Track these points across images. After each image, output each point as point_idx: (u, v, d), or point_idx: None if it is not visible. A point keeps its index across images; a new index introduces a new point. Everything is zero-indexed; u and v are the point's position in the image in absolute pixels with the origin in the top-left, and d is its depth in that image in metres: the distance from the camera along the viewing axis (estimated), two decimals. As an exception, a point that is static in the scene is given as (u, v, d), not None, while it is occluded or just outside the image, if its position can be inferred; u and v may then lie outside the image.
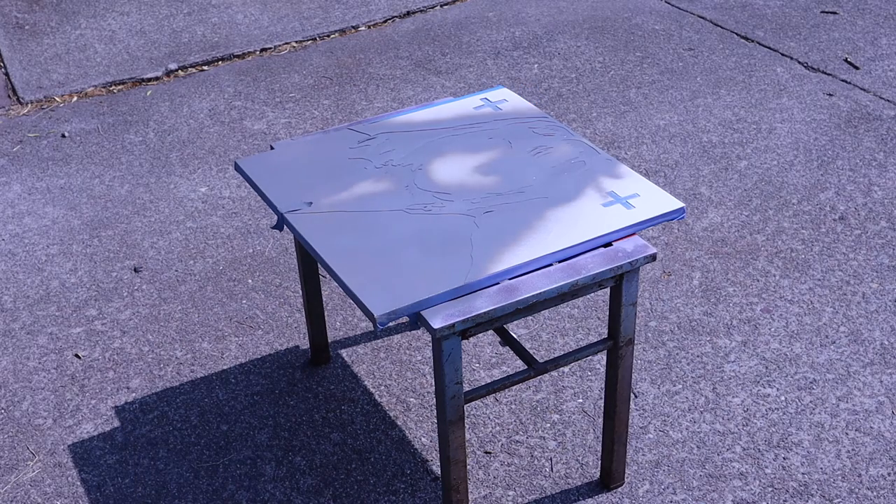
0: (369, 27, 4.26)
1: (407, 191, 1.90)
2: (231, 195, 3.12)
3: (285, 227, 1.87)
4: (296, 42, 4.13)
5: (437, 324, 1.60)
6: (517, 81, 3.73)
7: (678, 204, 1.84)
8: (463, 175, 1.94)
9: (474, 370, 2.40)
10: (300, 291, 2.63)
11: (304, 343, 2.51)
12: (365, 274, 1.69)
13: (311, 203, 1.88)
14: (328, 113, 3.56)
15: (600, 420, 2.23)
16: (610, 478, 2.08)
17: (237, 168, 2.03)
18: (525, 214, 1.81)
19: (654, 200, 1.85)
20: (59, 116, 3.64)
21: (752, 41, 3.97)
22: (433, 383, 2.35)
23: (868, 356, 2.41)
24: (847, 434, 2.20)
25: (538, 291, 1.66)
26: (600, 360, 2.40)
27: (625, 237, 1.79)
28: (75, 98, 3.76)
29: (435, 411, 2.29)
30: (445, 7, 4.41)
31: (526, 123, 2.11)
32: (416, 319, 1.64)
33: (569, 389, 2.34)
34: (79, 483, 2.15)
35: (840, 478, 2.10)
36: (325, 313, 2.39)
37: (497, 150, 2.02)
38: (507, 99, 2.21)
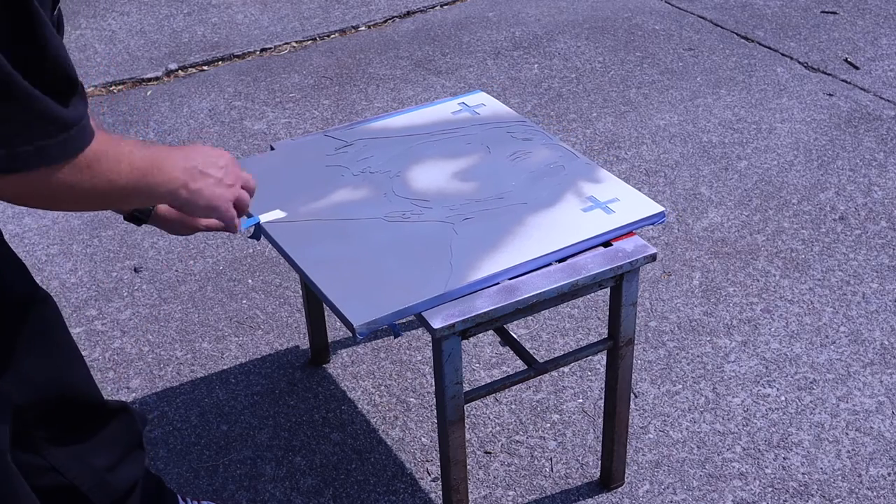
0: (369, 27, 4.26)
1: (385, 198, 1.87)
2: (231, 195, 3.12)
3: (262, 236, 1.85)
4: (296, 42, 4.13)
5: (437, 324, 1.60)
6: (517, 81, 3.73)
7: (658, 208, 1.83)
8: (441, 182, 1.92)
9: (474, 370, 2.40)
10: (300, 291, 2.63)
11: (304, 343, 2.51)
12: (344, 283, 1.66)
13: (287, 212, 1.85)
14: (328, 113, 3.56)
15: (600, 420, 2.23)
16: (610, 478, 2.08)
17: None
18: (505, 221, 1.79)
19: (634, 205, 1.83)
20: (59, 116, 3.63)
21: (752, 41, 3.97)
22: (433, 383, 2.35)
23: (868, 356, 2.41)
24: (847, 434, 2.20)
25: (538, 291, 1.66)
26: (600, 360, 2.40)
27: (614, 240, 1.78)
28: (75, 98, 3.76)
29: (435, 411, 2.29)
30: (445, 7, 4.42)
31: (504, 128, 2.09)
32: (396, 328, 1.64)
33: (569, 389, 2.34)
34: (79, 483, 2.15)
35: (840, 478, 2.10)
36: (325, 313, 2.39)
37: (475, 155, 2.00)
38: (484, 103, 2.19)
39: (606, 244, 1.77)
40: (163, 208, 1.65)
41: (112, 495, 1.71)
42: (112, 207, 1.42)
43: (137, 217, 1.63)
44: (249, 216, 1.82)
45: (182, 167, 1.40)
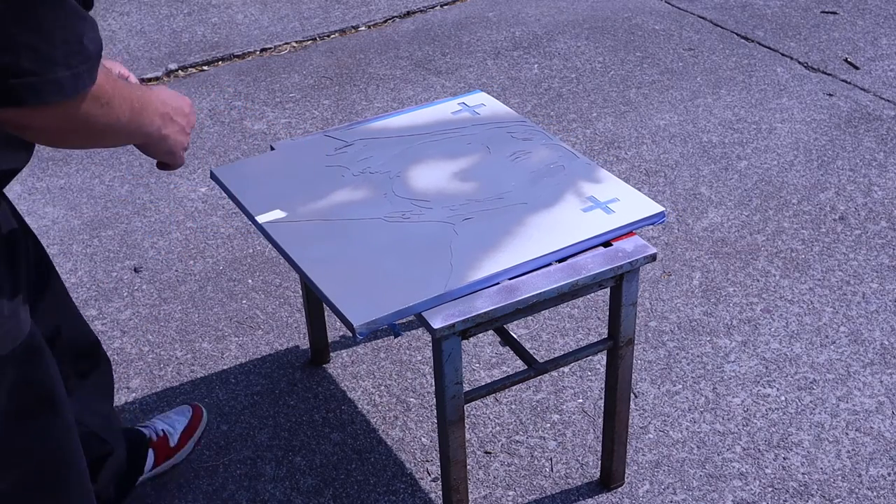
0: (369, 27, 4.26)
1: (385, 198, 1.87)
2: (231, 195, 3.12)
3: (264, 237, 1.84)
4: (296, 42, 4.13)
5: (437, 324, 1.60)
6: (517, 81, 3.73)
7: (658, 208, 1.83)
8: (441, 182, 1.92)
9: (474, 370, 2.40)
10: (300, 291, 2.63)
11: (304, 343, 2.51)
12: (344, 283, 1.66)
13: (287, 212, 1.85)
14: (328, 113, 3.56)
15: (600, 420, 2.23)
16: (610, 478, 2.08)
17: (213, 177, 1.99)
18: (505, 221, 1.79)
19: (634, 205, 1.83)
20: (59, 116, 3.63)
21: (752, 41, 3.97)
22: (433, 383, 2.35)
23: (868, 356, 2.41)
24: (847, 434, 2.20)
25: (538, 291, 1.66)
26: (600, 360, 2.40)
27: (614, 240, 1.78)
28: (75, 98, 3.76)
29: (435, 411, 2.29)
30: (445, 7, 4.42)
31: (504, 128, 2.09)
32: (396, 328, 1.63)
33: (569, 389, 2.34)
34: (79, 483, 2.15)
35: (840, 478, 2.10)
36: (325, 313, 2.39)
37: (475, 155, 2.00)
38: (484, 103, 2.19)
39: (606, 244, 1.77)
40: None
41: (117, 438, 1.73)
42: (105, 144, 1.42)
43: None
44: None
45: (160, 112, 1.42)
